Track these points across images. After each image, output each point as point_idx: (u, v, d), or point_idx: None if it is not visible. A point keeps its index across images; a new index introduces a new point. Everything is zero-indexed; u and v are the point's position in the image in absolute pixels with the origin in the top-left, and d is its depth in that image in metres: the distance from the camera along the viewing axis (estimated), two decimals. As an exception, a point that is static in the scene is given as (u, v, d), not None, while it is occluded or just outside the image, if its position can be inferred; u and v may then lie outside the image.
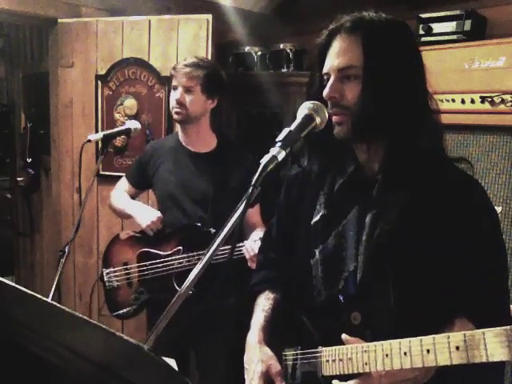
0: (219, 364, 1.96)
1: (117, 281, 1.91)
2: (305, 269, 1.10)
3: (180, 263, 1.79)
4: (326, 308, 1.06)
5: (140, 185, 2.05)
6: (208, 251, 0.82)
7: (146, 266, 1.86)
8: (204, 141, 1.90)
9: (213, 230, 1.78)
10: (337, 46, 0.99)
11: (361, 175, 1.05)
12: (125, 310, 1.88)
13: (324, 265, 1.07)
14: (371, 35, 0.96)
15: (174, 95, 1.84)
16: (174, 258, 1.81)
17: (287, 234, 1.22)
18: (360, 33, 0.97)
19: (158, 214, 1.86)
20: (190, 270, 0.82)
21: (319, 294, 1.07)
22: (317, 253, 1.08)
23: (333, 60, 0.99)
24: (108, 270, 1.93)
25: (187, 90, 1.81)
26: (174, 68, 1.85)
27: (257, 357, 1.10)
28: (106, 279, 1.93)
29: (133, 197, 2.04)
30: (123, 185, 2.06)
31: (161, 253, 1.84)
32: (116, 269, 1.93)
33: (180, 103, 1.82)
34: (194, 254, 1.77)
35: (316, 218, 1.09)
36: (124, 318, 1.99)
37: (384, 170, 1.00)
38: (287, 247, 1.20)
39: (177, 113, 1.84)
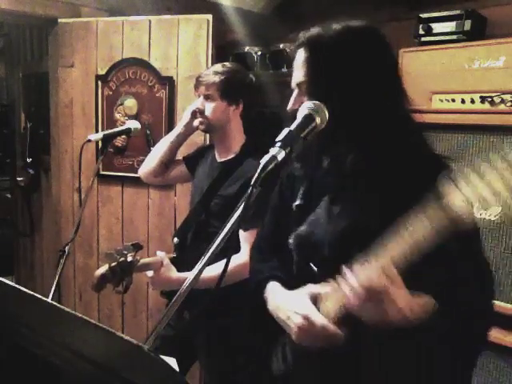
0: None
1: None
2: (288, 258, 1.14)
3: None
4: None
5: (188, 161, 2.02)
6: (207, 251, 0.83)
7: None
8: (228, 148, 1.85)
9: (175, 240, 1.85)
10: (295, 61, 1.06)
11: (336, 168, 1.07)
12: None
13: (297, 251, 1.11)
14: (314, 52, 1.02)
15: (195, 104, 1.83)
16: None
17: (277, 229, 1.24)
18: (307, 49, 1.03)
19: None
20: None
21: (296, 278, 1.10)
22: (291, 240, 1.11)
23: (293, 75, 1.07)
24: None
25: (207, 98, 1.78)
26: (197, 78, 1.83)
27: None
28: None
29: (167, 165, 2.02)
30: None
31: None
32: None
33: (200, 112, 1.79)
34: None
35: (293, 209, 1.13)
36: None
37: (352, 168, 1.02)
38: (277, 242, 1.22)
39: (199, 122, 1.82)
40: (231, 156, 1.84)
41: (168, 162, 2.01)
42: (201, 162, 1.97)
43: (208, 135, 2.34)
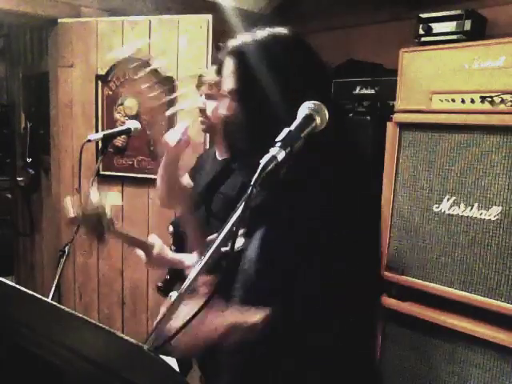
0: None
1: None
2: None
3: None
4: None
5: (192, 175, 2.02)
6: (207, 252, 0.82)
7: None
8: None
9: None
10: (224, 69, 1.11)
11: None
12: None
13: None
14: (241, 61, 1.06)
15: (197, 103, 1.82)
16: None
17: None
18: (234, 58, 1.08)
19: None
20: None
21: None
22: None
23: (223, 82, 1.12)
24: None
25: (208, 97, 1.77)
26: (199, 78, 1.82)
27: None
28: None
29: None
30: None
31: None
32: None
33: (201, 111, 1.79)
34: None
35: None
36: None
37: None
38: None
39: (201, 122, 1.82)
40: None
41: (173, 190, 2.01)
42: (200, 167, 1.97)
43: (208, 136, 2.34)
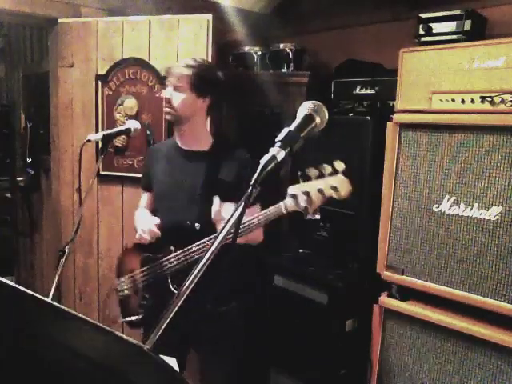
0: (222, 370, 1.97)
1: (126, 289, 1.91)
2: None
3: (171, 263, 1.76)
4: None
5: (148, 188, 2.04)
6: (208, 252, 0.82)
7: (145, 270, 1.86)
8: (199, 140, 1.90)
9: (197, 225, 1.77)
10: None
11: None
12: (133, 318, 1.87)
13: None
14: None
15: (164, 94, 1.87)
16: (166, 258, 1.77)
17: None
18: None
19: (151, 224, 1.81)
20: (183, 269, 0.83)
21: None
22: None
23: None
24: (120, 280, 1.94)
25: (176, 89, 1.82)
26: (168, 70, 1.87)
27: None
28: (118, 288, 1.94)
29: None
30: (142, 195, 2.09)
31: (158, 255, 1.82)
32: (124, 277, 1.92)
33: (168, 102, 1.84)
34: (184, 250, 1.74)
35: None
36: (136, 326, 1.90)
37: None
38: None
39: (166, 112, 1.86)
40: (209, 146, 1.90)
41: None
42: (156, 160, 1.98)
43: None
